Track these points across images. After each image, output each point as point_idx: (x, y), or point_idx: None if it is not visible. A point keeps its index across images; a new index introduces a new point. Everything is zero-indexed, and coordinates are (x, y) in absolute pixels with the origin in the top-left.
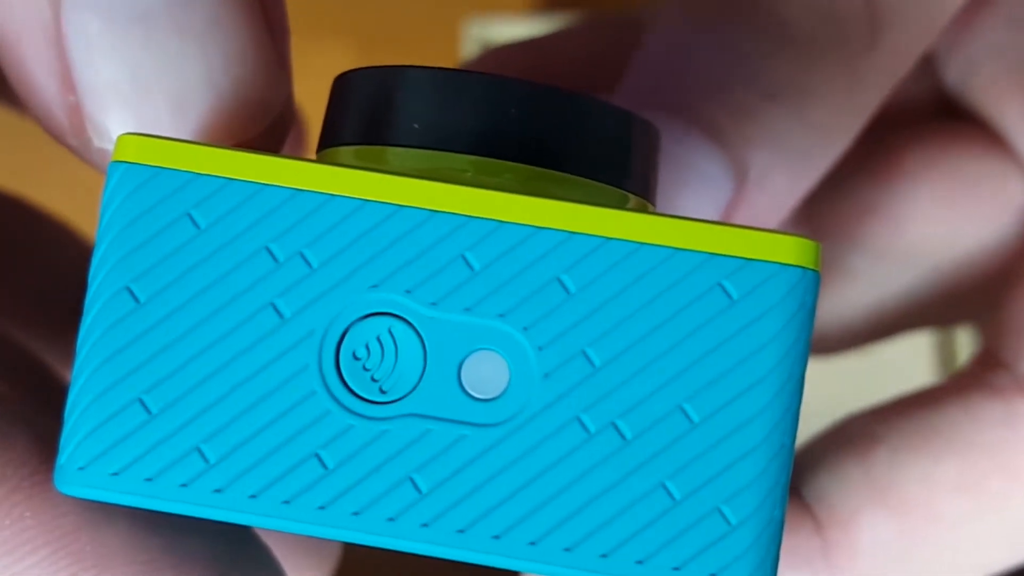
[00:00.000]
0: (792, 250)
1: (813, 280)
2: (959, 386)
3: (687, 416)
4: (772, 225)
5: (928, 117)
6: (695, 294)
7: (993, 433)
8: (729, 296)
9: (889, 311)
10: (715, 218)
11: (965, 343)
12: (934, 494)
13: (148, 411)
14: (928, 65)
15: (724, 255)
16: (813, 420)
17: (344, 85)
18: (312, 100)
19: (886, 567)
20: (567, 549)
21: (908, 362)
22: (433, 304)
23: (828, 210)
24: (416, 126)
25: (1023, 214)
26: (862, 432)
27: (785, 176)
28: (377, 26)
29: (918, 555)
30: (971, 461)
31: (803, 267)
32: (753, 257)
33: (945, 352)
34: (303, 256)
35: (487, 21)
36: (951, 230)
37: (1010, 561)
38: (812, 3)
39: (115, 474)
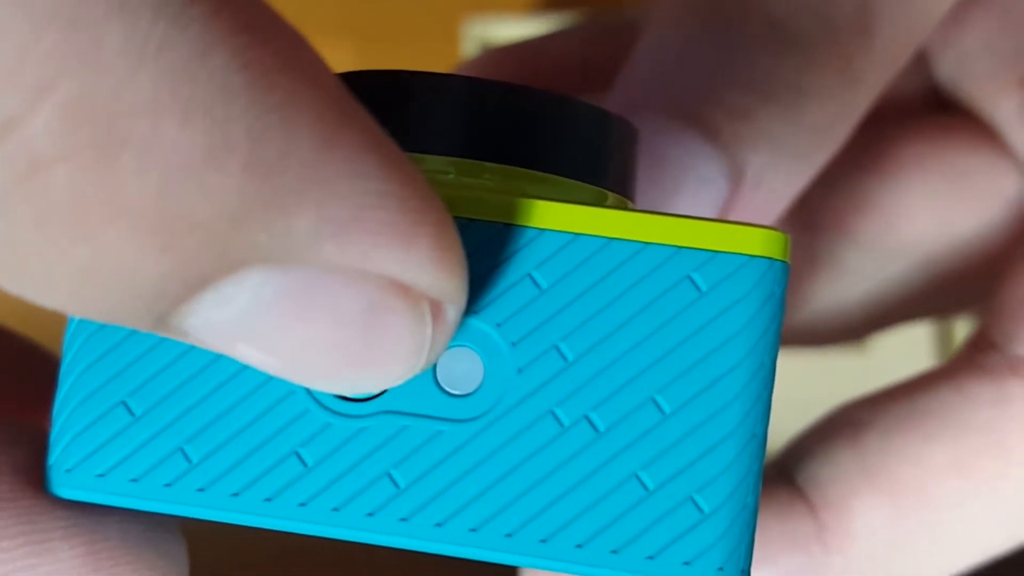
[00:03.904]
0: (759, 242)
1: (781, 271)
2: (950, 370)
3: (659, 407)
4: (768, 222)
5: (921, 112)
6: (665, 287)
7: (984, 413)
8: (698, 288)
9: (883, 303)
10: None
11: (964, 338)
12: (926, 475)
13: (132, 413)
14: (921, 61)
15: (693, 248)
16: (812, 415)
17: None
18: None
19: (881, 548)
20: (543, 540)
21: (907, 356)
22: None
23: (822, 205)
24: (393, 129)
25: (1014, 205)
26: (854, 418)
27: (781, 175)
28: (377, 26)
29: (912, 536)
30: (962, 441)
31: (771, 258)
32: (721, 249)
33: (944, 346)
34: None
35: (487, 21)
36: (944, 223)
37: (1006, 544)
38: (806, 3)
39: (101, 475)
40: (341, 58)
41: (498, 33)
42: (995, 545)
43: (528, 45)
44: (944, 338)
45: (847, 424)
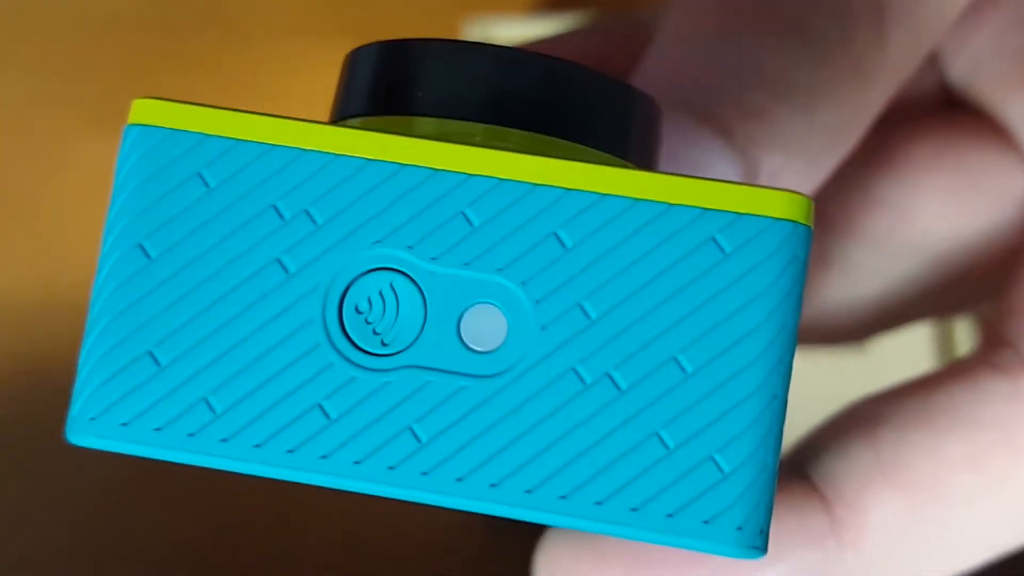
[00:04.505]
0: (784, 204)
1: (805, 234)
2: (964, 367)
3: (681, 367)
4: None
5: (933, 111)
6: (689, 248)
7: (998, 410)
8: (722, 249)
9: (894, 301)
10: None
11: (964, 337)
12: (940, 470)
13: (158, 363)
14: (933, 61)
15: (717, 210)
16: (813, 413)
17: (356, 59)
18: (312, 99)
19: (894, 543)
20: (563, 497)
21: (908, 355)
22: (434, 259)
23: (834, 203)
24: (421, 95)
25: None
26: (868, 413)
27: (794, 174)
28: (377, 26)
29: (926, 531)
30: (976, 437)
31: (794, 221)
32: (746, 212)
33: (944, 346)
34: (308, 214)
35: (487, 21)
36: (955, 222)
37: (1017, 540)
38: (820, 4)
39: (125, 424)
40: (341, 58)
41: (498, 33)
42: (1006, 541)
43: (543, 43)
44: (944, 338)
45: (861, 420)
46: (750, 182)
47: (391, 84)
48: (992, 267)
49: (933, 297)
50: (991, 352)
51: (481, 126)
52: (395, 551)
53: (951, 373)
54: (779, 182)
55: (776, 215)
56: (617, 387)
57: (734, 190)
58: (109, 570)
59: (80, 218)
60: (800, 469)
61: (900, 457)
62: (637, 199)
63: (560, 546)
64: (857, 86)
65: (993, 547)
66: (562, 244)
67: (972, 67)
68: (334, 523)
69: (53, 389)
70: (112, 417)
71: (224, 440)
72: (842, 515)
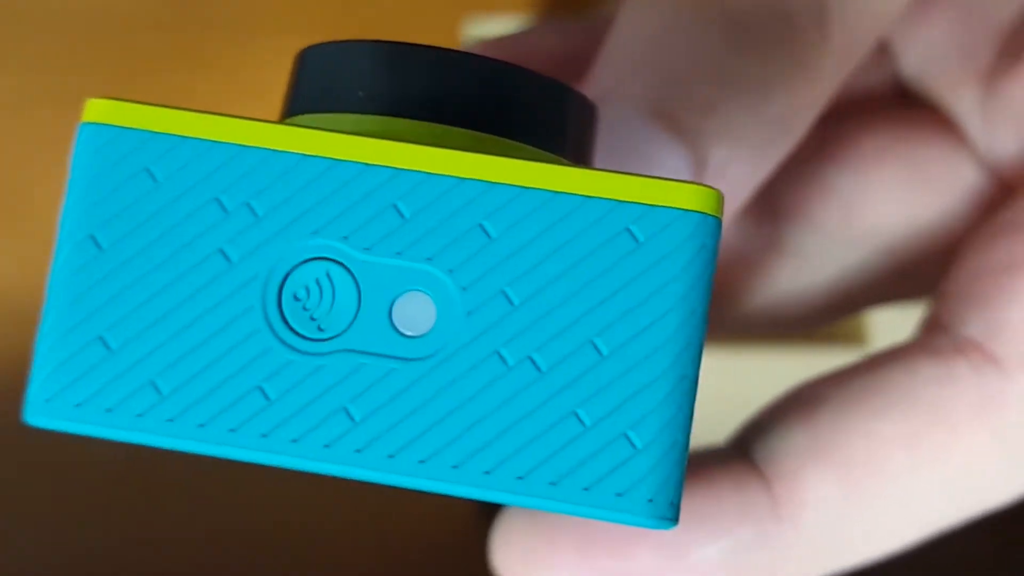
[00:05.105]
0: (693, 197)
1: (714, 225)
2: (901, 351)
3: (597, 349)
4: (731, 211)
5: (886, 104)
6: (604, 238)
7: (932, 390)
8: (636, 239)
9: (845, 289)
10: None
11: None
12: (875, 449)
13: (108, 348)
14: (884, 54)
15: (631, 202)
16: None
17: (303, 59)
18: None
19: (833, 519)
20: (487, 472)
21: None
22: (367, 249)
23: (785, 193)
24: (362, 94)
25: (972, 195)
26: (807, 395)
27: (742, 166)
28: (377, 26)
29: (863, 507)
30: (911, 417)
31: (704, 213)
32: (657, 204)
33: None
34: (249, 206)
35: (487, 21)
36: (904, 211)
37: (953, 517)
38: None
39: (78, 405)
40: None
41: (496, 32)
42: (943, 517)
43: (500, 41)
44: None
45: (801, 401)
46: (696, 174)
47: (334, 83)
48: (941, 257)
49: (884, 286)
50: (927, 336)
51: (419, 123)
52: (391, 551)
53: (888, 357)
54: (727, 174)
55: (686, 207)
56: (538, 369)
57: (646, 183)
58: (106, 572)
59: None
60: (742, 449)
61: (837, 436)
62: (557, 192)
63: (515, 525)
64: (802, 80)
65: (930, 524)
66: (487, 234)
67: (922, 61)
68: (331, 525)
69: None
70: (66, 398)
71: (170, 420)
72: (781, 492)
